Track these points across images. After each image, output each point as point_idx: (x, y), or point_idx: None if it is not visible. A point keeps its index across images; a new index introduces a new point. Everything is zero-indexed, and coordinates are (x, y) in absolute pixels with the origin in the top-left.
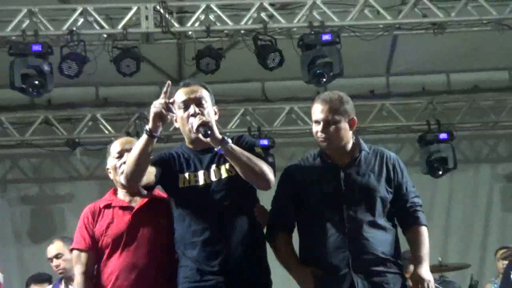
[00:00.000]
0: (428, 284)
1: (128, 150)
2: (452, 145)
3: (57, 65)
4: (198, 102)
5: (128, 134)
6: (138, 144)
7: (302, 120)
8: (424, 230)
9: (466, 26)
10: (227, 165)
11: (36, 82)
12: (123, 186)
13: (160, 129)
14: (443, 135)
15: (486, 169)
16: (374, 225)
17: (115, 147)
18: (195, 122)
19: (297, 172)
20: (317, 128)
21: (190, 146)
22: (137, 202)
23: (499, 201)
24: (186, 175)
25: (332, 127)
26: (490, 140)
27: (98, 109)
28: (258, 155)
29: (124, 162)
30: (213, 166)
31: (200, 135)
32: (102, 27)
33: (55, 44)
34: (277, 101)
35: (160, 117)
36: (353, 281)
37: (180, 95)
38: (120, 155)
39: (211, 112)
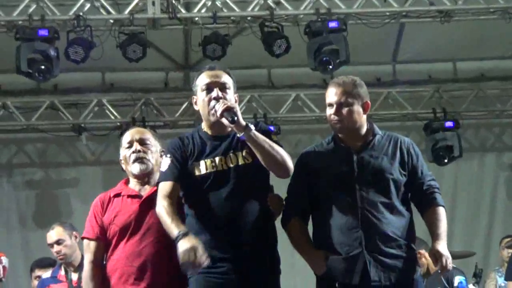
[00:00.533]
0: (446, 260)
1: (138, 140)
2: (457, 134)
3: (64, 50)
4: (222, 87)
5: (133, 119)
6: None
7: (308, 107)
8: (442, 211)
9: (473, 15)
10: (243, 152)
11: (42, 67)
12: (135, 176)
13: None
14: (449, 124)
15: (491, 158)
16: (387, 206)
17: (126, 137)
18: (218, 106)
19: (310, 157)
20: (330, 111)
21: (208, 131)
22: (147, 191)
23: (504, 190)
24: (203, 162)
25: (345, 110)
26: (495, 129)
27: (104, 95)
28: (276, 143)
29: (134, 152)
30: (230, 153)
31: (224, 120)
32: (108, 12)
33: (61, 29)
34: (283, 88)
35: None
36: (366, 261)
37: (204, 78)
38: (130, 144)
39: (233, 99)
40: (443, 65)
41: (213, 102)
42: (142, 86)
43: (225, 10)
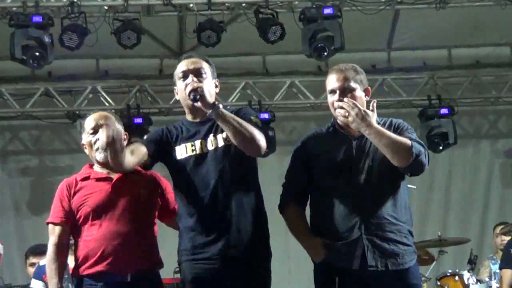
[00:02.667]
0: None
1: (102, 125)
2: (453, 120)
3: (58, 37)
4: (197, 73)
5: (128, 106)
6: None
7: (303, 94)
8: (408, 141)
9: (468, 1)
10: (224, 134)
11: (37, 54)
12: (100, 163)
13: None
14: (444, 110)
15: (486, 145)
16: (386, 192)
17: (89, 122)
18: (187, 88)
19: (310, 143)
20: (333, 98)
21: (190, 118)
22: (115, 175)
23: (498, 177)
24: (184, 145)
25: (349, 95)
26: (490, 116)
27: (99, 81)
28: (254, 124)
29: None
30: (211, 136)
31: (189, 101)
32: None
33: (55, 15)
34: (278, 74)
35: None
36: (364, 246)
37: (181, 66)
38: (95, 131)
39: (209, 84)
40: (438, 51)
41: (188, 87)
42: (137, 73)
43: None
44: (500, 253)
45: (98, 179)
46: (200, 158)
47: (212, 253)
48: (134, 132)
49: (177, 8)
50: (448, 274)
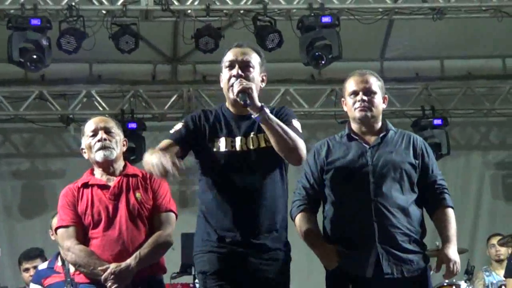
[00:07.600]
0: (453, 265)
1: (102, 128)
2: (446, 131)
3: (55, 40)
4: (245, 65)
5: (122, 111)
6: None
7: (297, 102)
8: (451, 212)
9: (465, 12)
10: (265, 135)
11: (34, 57)
12: (99, 164)
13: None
14: (437, 121)
15: (477, 156)
16: (400, 201)
17: (89, 126)
18: (235, 85)
19: (324, 150)
20: (355, 99)
21: (230, 109)
22: (114, 181)
23: (489, 189)
24: (222, 139)
25: (371, 96)
26: (482, 127)
27: (93, 86)
28: (294, 129)
29: (99, 140)
30: (252, 134)
31: (234, 97)
32: (101, 3)
33: (54, 19)
34: (272, 82)
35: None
36: (379, 254)
37: (229, 54)
38: (95, 133)
39: (256, 78)
40: (431, 62)
41: (232, 80)
42: (131, 78)
43: (218, 3)
44: (494, 264)
45: (97, 187)
46: (240, 155)
47: (233, 250)
48: (128, 137)
49: (175, 13)
50: (445, 284)
